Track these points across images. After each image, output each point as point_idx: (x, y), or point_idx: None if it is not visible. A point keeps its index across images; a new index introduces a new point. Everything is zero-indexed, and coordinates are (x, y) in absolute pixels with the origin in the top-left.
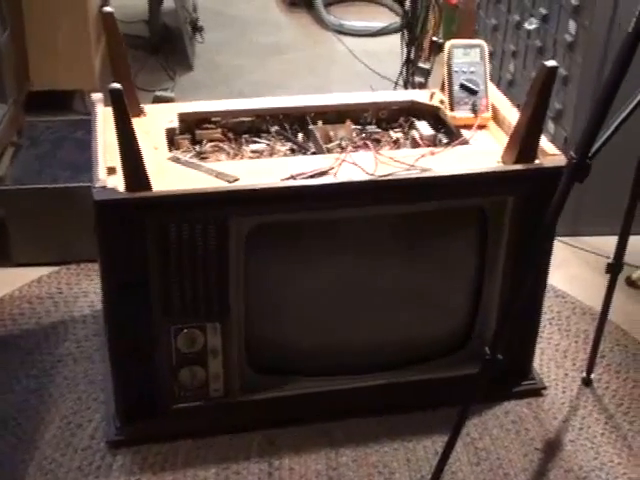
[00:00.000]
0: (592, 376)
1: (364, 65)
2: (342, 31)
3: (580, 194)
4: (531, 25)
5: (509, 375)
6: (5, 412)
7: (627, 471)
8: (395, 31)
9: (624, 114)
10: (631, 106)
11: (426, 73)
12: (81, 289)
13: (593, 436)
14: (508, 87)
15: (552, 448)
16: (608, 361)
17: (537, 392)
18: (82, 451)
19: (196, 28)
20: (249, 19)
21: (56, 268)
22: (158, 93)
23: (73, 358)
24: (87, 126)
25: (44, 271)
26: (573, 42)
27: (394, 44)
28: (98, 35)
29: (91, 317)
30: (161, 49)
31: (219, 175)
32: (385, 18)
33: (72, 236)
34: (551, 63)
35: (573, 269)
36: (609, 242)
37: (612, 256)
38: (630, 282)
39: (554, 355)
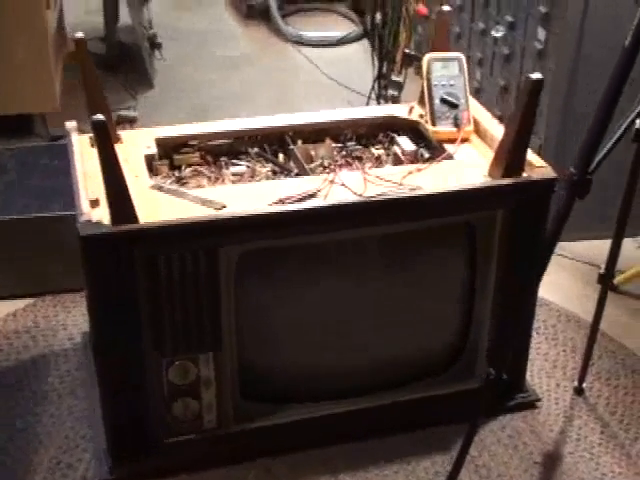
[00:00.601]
0: (584, 385)
1: (327, 77)
2: (301, 42)
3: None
4: (498, 33)
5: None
6: None
7: None
8: (355, 40)
9: (623, 128)
10: (629, 120)
11: (399, 86)
12: (59, 322)
13: (591, 446)
14: (475, 95)
15: (552, 461)
16: (598, 369)
17: (531, 405)
18: None
19: (154, 44)
20: (205, 33)
21: (31, 300)
22: (121, 113)
23: (57, 394)
24: (54, 152)
25: (19, 304)
26: (543, 49)
27: (354, 53)
28: (57, 55)
29: (72, 350)
30: (119, 67)
31: (205, 203)
32: (343, 27)
33: (46, 267)
34: (536, 76)
35: (553, 276)
36: (586, 247)
37: (603, 266)
38: (613, 287)
39: (544, 365)
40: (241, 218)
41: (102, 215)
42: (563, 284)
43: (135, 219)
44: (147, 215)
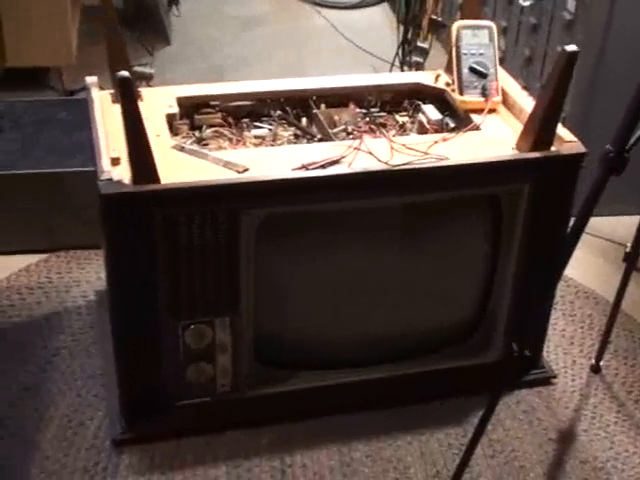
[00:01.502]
0: (601, 363)
1: (347, 40)
2: (320, 3)
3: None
4: (526, 2)
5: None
6: (0, 411)
7: None
8: (375, 3)
9: None
10: None
11: (425, 53)
12: (72, 278)
13: (606, 425)
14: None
15: (566, 438)
16: (615, 347)
17: (547, 381)
18: (86, 451)
19: (172, 0)
20: None
21: (45, 256)
22: (137, 69)
23: (69, 352)
24: (70, 106)
25: (32, 259)
26: (572, 20)
27: (373, 17)
28: (73, 9)
29: (85, 308)
30: (136, 22)
31: (227, 165)
32: None
33: (60, 222)
34: (572, 48)
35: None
36: (609, 223)
37: (630, 244)
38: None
39: (561, 342)
40: (264, 182)
41: (123, 174)
42: (583, 260)
43: (157, 179)
44: (168, 175)
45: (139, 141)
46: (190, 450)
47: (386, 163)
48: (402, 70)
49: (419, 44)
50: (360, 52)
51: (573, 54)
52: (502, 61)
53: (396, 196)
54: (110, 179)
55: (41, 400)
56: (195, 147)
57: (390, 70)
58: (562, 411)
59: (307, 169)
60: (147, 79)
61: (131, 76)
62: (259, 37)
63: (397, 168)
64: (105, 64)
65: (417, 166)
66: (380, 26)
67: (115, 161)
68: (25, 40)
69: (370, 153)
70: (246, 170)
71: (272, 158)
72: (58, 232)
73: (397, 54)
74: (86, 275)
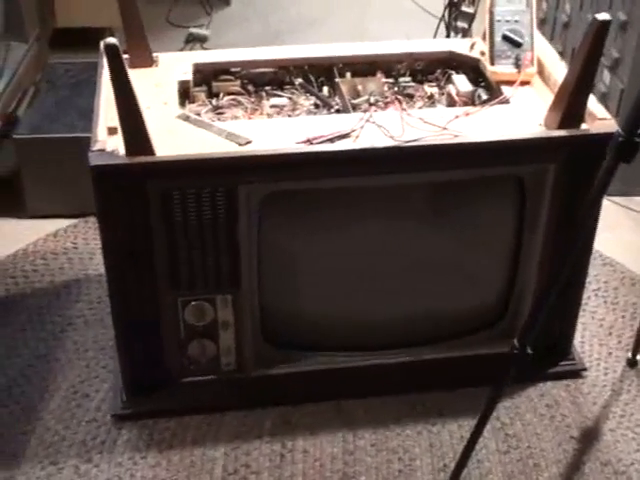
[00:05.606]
0: (638, 357)
1: (412, 1)
2: None
3: None
4: None
5: (546, 354)
6: (10, 377)
7: None
8: None
9: None
10: None
11: (470, 18)
12: (98, 244)
13: (635, 425)
14: (563, 29)
15: (589, 437)
16: None
17: (577, 373)
18: (86, 424)
19: None
20: None
21: (74, 221)
22: (192, 30)
23: (84, 321)
24: None
25: (62, 224)
26: None
27: None
28: None
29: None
30: None
31: (230, 136)
32: None
33: (91, 188)
34: (603, 16)
35: (624, 234)
36: None
37: None
38: None
39: (598, 331)
40: (262, 157)
41: (118, 144)
42: (633, 243)
43: (150, 151)
44: (166, 147)
45: (130, 110)
46: (190, 429)
47: (394, 139)
48: (448, 36)
49: (464, 9)
50: (425, 14)
51: (604, 23)
52: (567, 26)
53: (406, 174)
54: (102, 149)
55: (50, 369)
56: (201, 117)
57: (434, 36)
58: (589, 407)
59: (311, 143)
60: (202, 41)
61: (186, 37)
62: None
63: (404, 145)
64: (158, 23)
65: (427, 143)
66: None
67: (112, 131)
68: (76, 0)
69: (380, 126)
70: (248, 142)
71: (281, 130)
72: (88, 197)
73: (442, 17)
74: None
